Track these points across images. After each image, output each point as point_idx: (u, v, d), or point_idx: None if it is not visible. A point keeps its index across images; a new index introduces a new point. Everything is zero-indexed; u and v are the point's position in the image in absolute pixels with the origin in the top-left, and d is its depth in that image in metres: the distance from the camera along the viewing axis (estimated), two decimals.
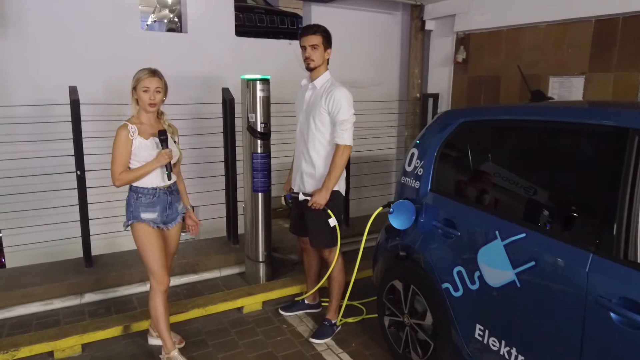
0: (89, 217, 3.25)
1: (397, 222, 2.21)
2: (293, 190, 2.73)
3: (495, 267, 1.79)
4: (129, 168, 2.28)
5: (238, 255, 3.59)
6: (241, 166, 3.32)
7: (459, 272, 1.95)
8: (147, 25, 7.12)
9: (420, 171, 2.26)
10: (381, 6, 4.77)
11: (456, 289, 1.97)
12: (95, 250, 3.40)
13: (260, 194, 3.18)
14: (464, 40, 4.37)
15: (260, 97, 3.05)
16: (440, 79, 4.69)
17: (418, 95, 4.97)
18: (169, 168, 2.36)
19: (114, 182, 2.26)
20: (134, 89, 2.29)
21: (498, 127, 2.11)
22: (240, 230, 3.67)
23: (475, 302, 1.91)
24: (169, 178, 2.38)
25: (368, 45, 4.83)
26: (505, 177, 2.01)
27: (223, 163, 3.71)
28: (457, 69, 4.49)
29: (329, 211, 2.58)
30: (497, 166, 2.06)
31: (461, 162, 2.26)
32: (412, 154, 2.35)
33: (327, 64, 2.66)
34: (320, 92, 2.60)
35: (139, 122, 2.31)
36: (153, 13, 7.16)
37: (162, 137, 2.35)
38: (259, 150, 3.10)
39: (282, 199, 4.76)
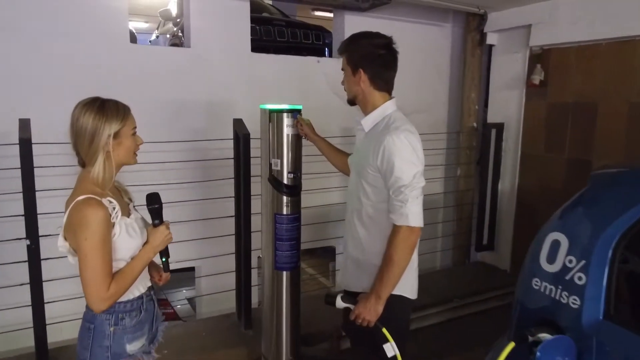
0: (45, 300, 2.32)
1: None
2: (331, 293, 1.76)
3: None
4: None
5: (252, 348, 2.61)
6: (258, 222, 2.37)
7: None
8: (150, 41, 6.32)
9: (579, 278, 1.28)
10: (428, 16, 3.86)
11: None
12: (54, 336, 2.46)
13: (285, 272, 2.21)
14: (540, 57, 3.43)
15: (288, 135, 2.12)
16: (506, 105, 3.74)
17: (475, 124, 4.02)
18: (167, 254, 1.50)
19: (98, 306, 1.31)
20: (115, 135, 1.37)
21: None
22: (255, 300, 2.72)
23: None
24: (167, 268, 1.54)
25: (411, 63, 3.86)
26: None
27: (234, 219, 2.77)
28: (531, 93, 3.53)
29: (383, 330, 1.58)
30: None
31: None
32: (556, 243, 1.37)
33: (379, 89, 1.72)
34: (370, 138, 1.71)
35: (103, 192, 1.38)
36: (157, 28, 6.37)
37: (154, 205, 1.45)
38: (285, 211, 2.15)
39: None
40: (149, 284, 1.54)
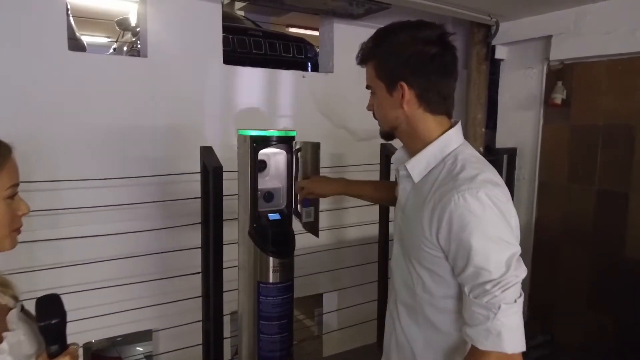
0: None
1: None
2: None
3: None
4: None
5: None
6: (234, 280, 1.75)
7: None
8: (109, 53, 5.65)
9: None
10: None
11: None
12: None
13: None
14: (561, 73, 2.97)
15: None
16: (520, 128, 3.25)
17: (482, 149, 3.52)
18: None
19: None
20: None
21: None
22: None
23: None
24: None
25: None
26: None
27: (200, 275, 2.13)
28: (550, 114, 3.06)
29: None
30: None
31: None
32: None
33: (433, 110, 1.13)
34: (424, 193, 1.11)
35: None
36: (116, 40, 5.72)
37: (49, 320, 0.85)
38: (273, 278, 1.54)
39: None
40: None
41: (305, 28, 6.67)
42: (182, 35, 2.52)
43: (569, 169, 2.97)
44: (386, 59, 1.13)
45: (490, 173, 1.07)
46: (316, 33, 5.08)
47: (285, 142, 1.52)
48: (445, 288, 1.06)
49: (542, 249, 3.14)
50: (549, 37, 2.93)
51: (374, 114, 1.23)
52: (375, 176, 3.31)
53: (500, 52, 3.28)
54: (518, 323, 0.96)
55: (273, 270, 1.52)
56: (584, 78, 2.86)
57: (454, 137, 1.13)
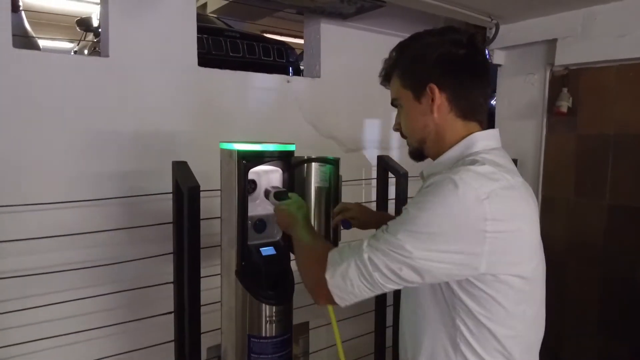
0: None
1: None
2: None
3: None
4: None
5: None
6: (216, 320, 1.41)
7: None
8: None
9: None
10: (420, 28, 3.14)
11: None
12: None
13: None
14: (565, 79, 2.76)
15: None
16: (520, 138, 3.03)
17: None
18: None
19: None
20: None
21: None
22: None
23: None
24: None
25: None
26: None
27: (172, 316, 1.78)
28: (555, 123, 2.85)
29: None
30: None
31: None
32: None
33: (465, 115, 1.04)
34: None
35: None
36: (78, 42, 5.28)
37: None
38: (269, 332, 1.21)
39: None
40: None
41: (282, 34, 6.40)
42: (150, 32, 2.17)
43: (576, 182, 2.76)
44: (412, 63, 1.05)
45: (507, 175, 0.96)
46: (294, 40, 4.78)
47: (283, 158, 1.21)
48: (491, 306, 0.96)
49: (547, 269, 2.90)
50: (553, 40, 2.72)
51: (401, 132, 1.13)
52: (368, 189, 3.01)
53: (497, 57, 3.07)
54: (342, 278, 0.94)
55: (268, 320, 1.19)
56: (591, 84, 2.66)
57: (480, 140, 1.02)
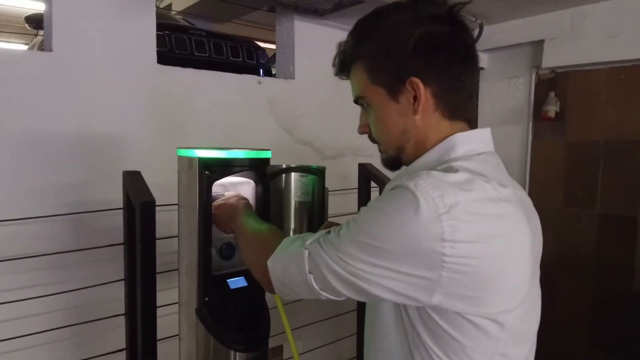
0: None
1: None
2: None
3: None
4: None
5: None
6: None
7: None
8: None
9: None
10: None
11: None
12: None
13: None
14: (553, 82, 2.63)
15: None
16: (504, 144, 2.88)
17: None
18: None
19: None
20: None
21: None
22: None
23: None
24: None
25: None
26: None
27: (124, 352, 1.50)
28: (541, 128, 2.71)
29: None
30: None
31: None
32: None
33: (451, 114, 0.82)
34: None
35: None
36: (31, 40, 4.92)
37: None
38: None
39: None
40: None
41: (251, 39, 6.21)
42: (101, 24, 1.89)
43: (565, 191, 2.62)
44: (383, 53, 0.80)
45: (487, 185, 0.73)
46: (266, 45, 4.54)
47: (256, 167, 0.97)
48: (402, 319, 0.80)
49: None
50: (540, 42, 2.59)
51: (369, 136, 0.91)
52: (349, 201, 2.78)
53: (481, 60, 2.91)
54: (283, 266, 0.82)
55: None
56: (580, 88, 2.53)
57: (461, 143, 0.80)
